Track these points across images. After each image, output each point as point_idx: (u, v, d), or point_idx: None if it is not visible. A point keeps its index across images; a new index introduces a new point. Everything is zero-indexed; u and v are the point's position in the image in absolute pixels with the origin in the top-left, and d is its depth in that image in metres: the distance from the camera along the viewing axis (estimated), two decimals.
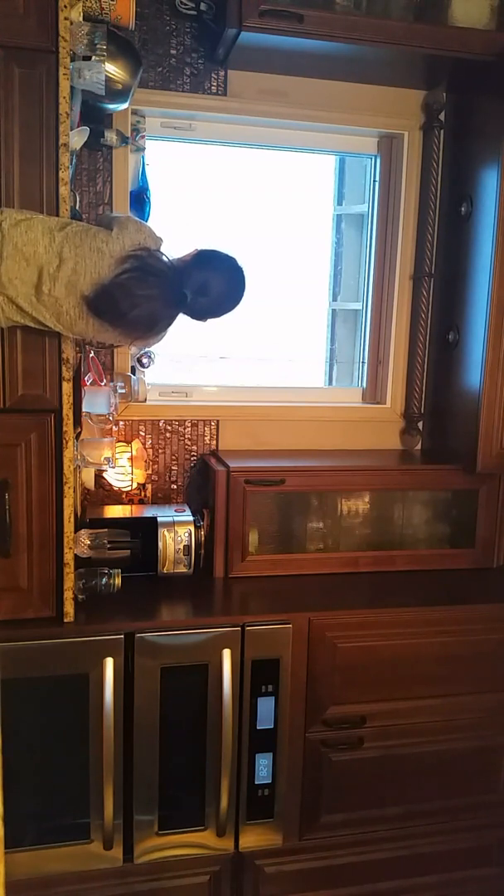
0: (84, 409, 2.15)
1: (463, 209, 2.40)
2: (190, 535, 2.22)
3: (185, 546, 2.21)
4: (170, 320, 1.74)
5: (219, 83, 2.40)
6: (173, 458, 2.55)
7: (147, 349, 2.38)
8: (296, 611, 2.10)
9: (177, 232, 2.49)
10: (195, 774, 2.05)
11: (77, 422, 2.04)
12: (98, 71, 1.86)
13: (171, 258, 1.74)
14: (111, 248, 1.65)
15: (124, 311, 1.65)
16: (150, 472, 2.52)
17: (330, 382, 2.91)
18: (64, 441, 1.88)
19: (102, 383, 2.33)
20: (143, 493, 2.53)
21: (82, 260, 1.64)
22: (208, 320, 1.81)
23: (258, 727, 2.07)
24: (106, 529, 2.15)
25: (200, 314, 1.79)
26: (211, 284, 1.74)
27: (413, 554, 2.50)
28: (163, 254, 1.73)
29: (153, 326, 1.73)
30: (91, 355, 2.32)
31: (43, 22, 1.73)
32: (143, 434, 2.51)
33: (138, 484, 2.49)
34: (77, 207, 2.19)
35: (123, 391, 2.38)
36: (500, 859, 2.41)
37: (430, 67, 2.38)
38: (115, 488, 2.47)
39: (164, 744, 2.01)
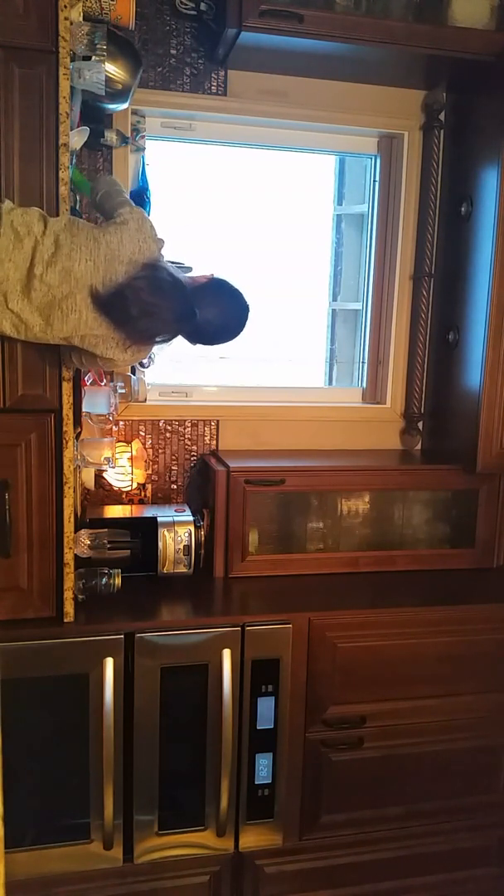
0: (84, 409, 2.15)
1: (463, 209, 2.40)
2: (190, 535, 2.22)
3: (185, 546, 2.21)
4: (174, 334, 1.74)
5: (219, 83, 2.40)
6: (173, 458, 2.55)
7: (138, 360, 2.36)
8: (296, 611, 2.10)
9: (177, 232, 2.49)
10: (195, 774, 2.05)
11: (77, 422, 2.04)
12: (98, 71, 1.86)
13: (182, 275, 1.73)
14: (108, 239, 1.64)
15: (134, 315, 1.64)
16: (150, 472, 2.53)
17: (330, 382, 2.91)
18: (64, 441, 1.88)
19: (102, 383, 2.32)
20: (143, 493, 2.53)
21: (77, 248, 1.62)
22: (198, 345, 1.81)
23: (258, 727, 2.07)
24: (106, 529, 2.15)
25: (198, 335, 1.78)
26: (219, 308, 1.75)
27: (413, 554, 2.50)
28: (171, 266, 1.72)
29: (156, 336, 1.72)
30: None
31: (43, 22, 1.73)
32: (143, 434, 2.51)
33: (138, 484, 2.49)
34: (77, 207, 2.19)
35: (123, 391, 2.37)
36: (500, 859, 2.41)
37: (430, 67, 2.38)
38: (115, 488, 2.47)
39: (164, 744, 2.01)
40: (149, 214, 2.37)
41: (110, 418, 2.24)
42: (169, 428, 2.53)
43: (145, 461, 2.51)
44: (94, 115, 2.10)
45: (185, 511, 2.30)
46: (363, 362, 2.80)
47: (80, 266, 1.62)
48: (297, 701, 2.11)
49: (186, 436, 2.55)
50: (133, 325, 1.66)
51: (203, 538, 2.26)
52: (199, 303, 1.71)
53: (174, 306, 1.67)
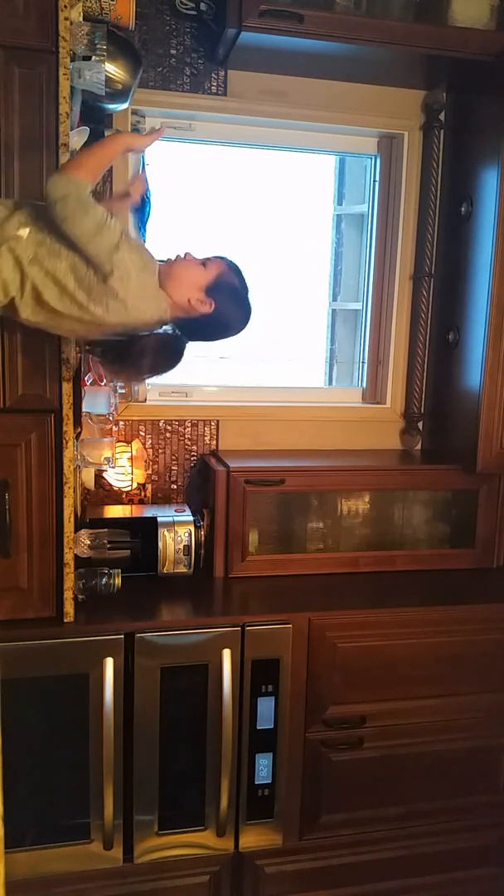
0: (84, 409, 2.15)
1: (463, 209, 2.40)
2: (190, 535, 2.22)
3: (185, 546, 2.21)
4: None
5: (219, 83, 2.40)
6: (173, 458, 2.55)
7: None
8: (296, 611, 2.10)
9: (177, 232, 2.49)
10: (195, 774, 2.05)
11: (77, 422, 2.04)
12: (98, 71, 1.86)
13: (172, 326, 1.71)
14: (93, 311, 1.57)
15: (129, 377, 1.95)
16: (150, 472, 2.52)
17: (330, 382, 2.91)
18: (64, 441, 1.88)
19: (102, 383, 2.32)
20: (143, 493, 2.52)
21: (63, 305, 1.57)
22: None
23: (258, 727, 2.07)
24: (106, 529, 2.15)
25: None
26: (221, 327, 1.76)
27: (413, 554, 2.50)
28: (165, 322, 1.69)
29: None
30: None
31: (43, 22, 1.73)
32: (143, 434, 2.51)
33: (138, 484, 2.49)
34: None
35: (123, 391, 2.37)
36: (500, 859, 2.41)
37: (430, 67, 2.38)
38: (115, 488, 2.47)
39: (164, 744, 2.01)
40: (148, 214, 2.38)
41: (110, 418, 2.24)
42: (169, 428, 2.53)
43: (145, 461, 2.51)
44: (94, 115, 2.10)
45: (185, 511, 2.30)
46: (363, 362, 2.80)
47: (67, 320, 1.61)
48: (297, 701, 2.11)
49: (186, 436, 2.55)
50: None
51: (203, 538, 2.26)
52: (200, 327, 1.71)
53: (162, 365, 1.74)
